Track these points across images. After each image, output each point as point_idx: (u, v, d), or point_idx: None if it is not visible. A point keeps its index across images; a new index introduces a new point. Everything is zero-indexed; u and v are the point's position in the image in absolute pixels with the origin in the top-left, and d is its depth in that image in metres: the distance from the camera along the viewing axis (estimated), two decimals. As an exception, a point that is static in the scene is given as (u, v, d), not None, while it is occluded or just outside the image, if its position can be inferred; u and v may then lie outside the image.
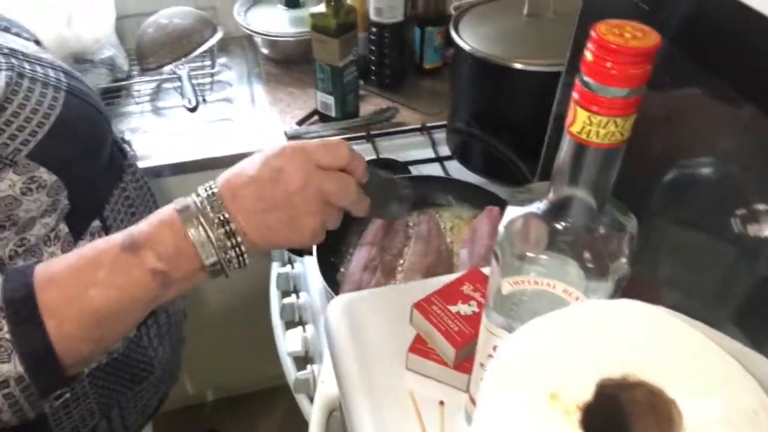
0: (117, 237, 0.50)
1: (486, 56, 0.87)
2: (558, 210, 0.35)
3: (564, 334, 0.28)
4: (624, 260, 0.34)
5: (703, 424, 0.25)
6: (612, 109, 0.29)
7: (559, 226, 0.35)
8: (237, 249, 0.51)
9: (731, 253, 0.37)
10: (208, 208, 0.50)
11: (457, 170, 1.04)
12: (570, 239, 0.35)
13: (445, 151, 1.09)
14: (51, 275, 0.49)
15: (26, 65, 0.63)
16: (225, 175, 0.53)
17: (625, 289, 0.35)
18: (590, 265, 0.34)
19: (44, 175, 0.60)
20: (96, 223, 0.69)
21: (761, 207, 0.35)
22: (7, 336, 0.46)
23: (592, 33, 0.28)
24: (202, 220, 0.50)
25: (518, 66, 0.85)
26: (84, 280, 0.48)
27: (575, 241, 0.35)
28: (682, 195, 0.40)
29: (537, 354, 0.27)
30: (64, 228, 0.65)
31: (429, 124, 1.18)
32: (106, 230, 0.70)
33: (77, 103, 0.65)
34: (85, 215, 0.68)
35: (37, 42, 0.73)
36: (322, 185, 0.51)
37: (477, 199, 0.92)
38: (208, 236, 0.49)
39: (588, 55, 0.28)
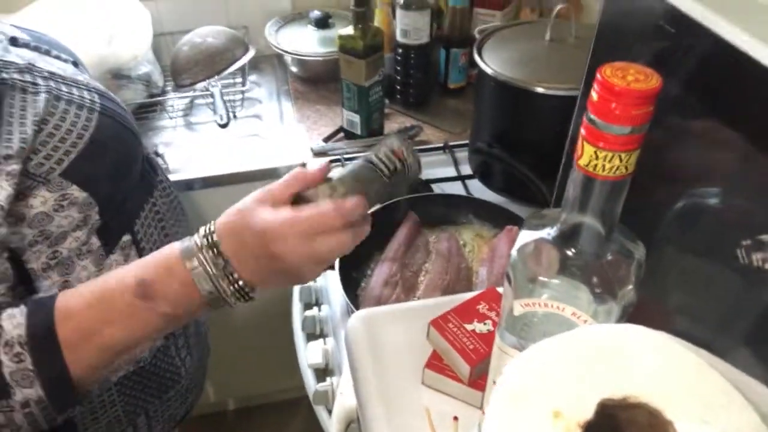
0: (130, 280, 0.55)
1: (508, 80, 0.89)
2: (568, 236, 0.37)
3: (569, 355, 0.30)
4: (630, 286, 0.36)
5: (698, 444, 0.26)
6: (616, 145, 0.31)
7: (569, 252, 0.37)
8: (235, 284, 0.56)
9: (737, 281, 0.39)
10: (207, 247, 0.55)
11: (478, 189, 1.06)
12: (580, 264, 0.37)
13: (466, 169, 1.11)
14: (69, 311, 0.54)
15: (63, 87, 0.67)
16: (226, 224, 0.57)
17: (633, 314, 0.37)
18: (598, 290, 0.36)
19: (75, 192, 0.63)
20: (127, 237, 0.72)
21: (765, 238, 0.36)
22: (30, 366, 0.52)
23: (598, 75, 0.30)
24: (200, 256, 0.55)
25: (540, 90, 0.87)
26: (100, 318, 0.55)
27: (585, 267, 0.37)
28: (690, 224, 0.42)
29: (543, 373, 0.29)
30: (96, 242, 0.68)
31: (451, 143, 1.20)
32: (137, 244, 0.73)
33: (110, 124, 0.69)
34: (116, 230, 0.70)
35: (75, 63, 0.77)
36: (323, 257, 0.56)
37: (497, 218, 0.94)
38: (205, 269, 0.55)
39: (594, 96, 0.30)
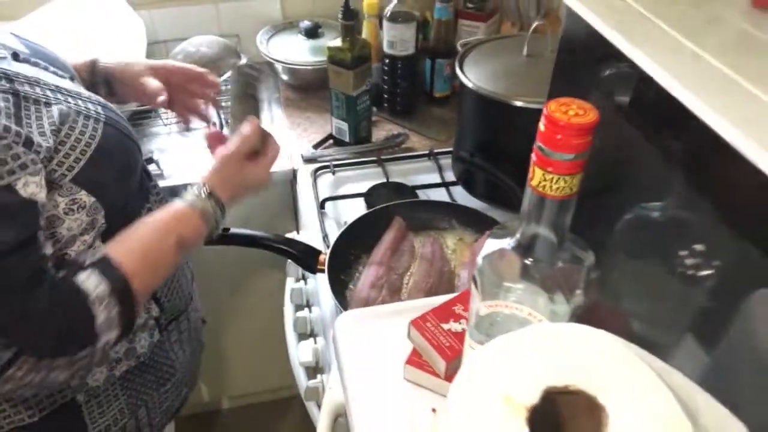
0: (171, 240, 0.73)
1: (488, 93, 0.94)
2: (526, 245, 0.42)
3: (520, 348, 0.35)
4: (580, 290, 0.41)
5: (625, 423, 0.32)
6: (561, 169, 0.36)
7: (527, 260, 0.42)
8: (221, 208, 0.78)
9: (676, 285, 0.44)
10: (206, 197, 0.77)
11: (462, 195, 1.11)
12: (537, 270, 0.42)
13: (450, 176, 1.16)
14: (134, 270, 0.68)
15: (70, 99, 0.71)
16: (211, 175, 0.80)
17: (586, 315, 0.42)
18: (552, 294, 0.41)
19: (84, 197, 0.68)
20: None
21: (699, 247, 0.42)
22: (115, 315, 0.66)
23: (544, 110, 0.35)
24: (207, 204, 0.76)
25: (518, 103, 0.92)
26: (153, 272, 0.72)
27: (541, 273, 0.42)
28: (636, 234, 0.47)
29: (497, 364, 0.34)
30: (100, 245, 0.73)
31: (436, 150, 1.25)
32: None
33: (113, 133, 0.74)
34: (118, 232, 0.74)
35: (72, 78, 0.81)
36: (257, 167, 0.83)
37: (478, 223, 0.99)
38: (214, 212, 0.77)
39: (541, 127, 0.35)
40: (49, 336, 0.62)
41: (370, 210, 1.02)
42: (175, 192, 1.20)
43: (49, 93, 0.69)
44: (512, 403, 0.32)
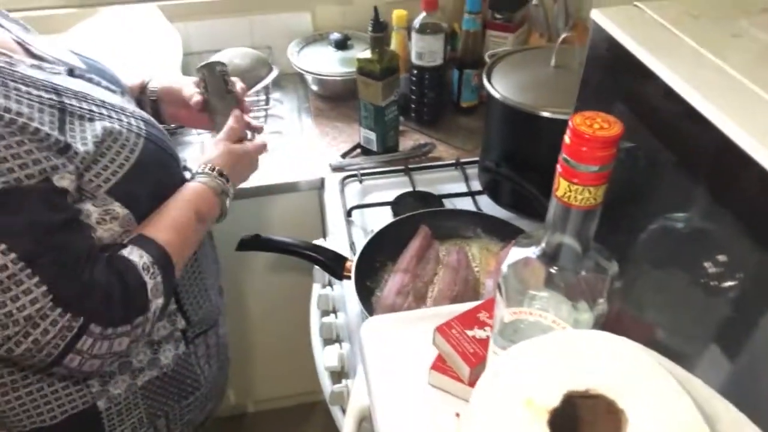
0: (192, 215, 0.79)
1: (515, 104, 0.95)
2: (551, 254, 0.43)
3: (542, 353, 0.36)
4: (603, 299, 0.42)
5: (643, 427, 0.32)
6: (586, 180, 0.37)
7: (552, 268, 0.43)
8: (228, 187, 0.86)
9: (700, 295, 0.44)
10: (216, 175, 0.85)
11: (488, 205, 1.12)
12: (561, 279, 0.43)
13: (476, 186, 1.17)
14: (169, 243, 0.75)
15: (114, 114, 0.75)
16: (217, 159, 0.87)
17: (610, 323, 0.43)
18: (576, 301, 0.42)
19: (117, 209, 0.71)
20: None
21: (722, 258, 0.42)
22: (160, 280, 0.72)
23: (570, 123, 0.36)
24: (218, 181, 0.84)
25: (545, 114, 0.93)
26: (183, 243, 0.78)
27: (565, 281, 0.43)
28: (661, 245, 0.48)
29: (520, 368, 0.35)
30: None
31: (463, 160, 1.26)
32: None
33: (153, 149, 0.77)
34: None
35: (123, 93, 0.85)
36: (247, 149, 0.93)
37: (504, 232, 1.00)
38: (223, 189, 0.85)
39: (567, 140, 0.36)
40: (112, 304, 0.67)
41: (397, 218, 1.04)
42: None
43: (94, 108, 0.73)
44: (534, 406, 0.33)
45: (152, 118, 0.83)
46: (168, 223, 0.76)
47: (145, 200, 0.75)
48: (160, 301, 0.73)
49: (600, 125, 0.36)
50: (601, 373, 0.35)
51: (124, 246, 0.72)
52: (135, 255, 0.71)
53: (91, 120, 0.70)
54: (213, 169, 0.85)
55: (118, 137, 0.72)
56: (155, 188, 0.77)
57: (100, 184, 0.69)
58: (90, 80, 0.79)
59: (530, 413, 0.33)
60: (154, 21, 1.40)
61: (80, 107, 0.71)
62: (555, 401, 0.33)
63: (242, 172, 0.92)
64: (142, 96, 0.99)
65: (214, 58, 1.42)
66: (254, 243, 1.02)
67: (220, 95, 0.95)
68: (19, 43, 0.76)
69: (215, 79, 0.95)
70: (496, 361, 0.36)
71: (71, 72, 0.77)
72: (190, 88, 0.97)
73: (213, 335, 0.94)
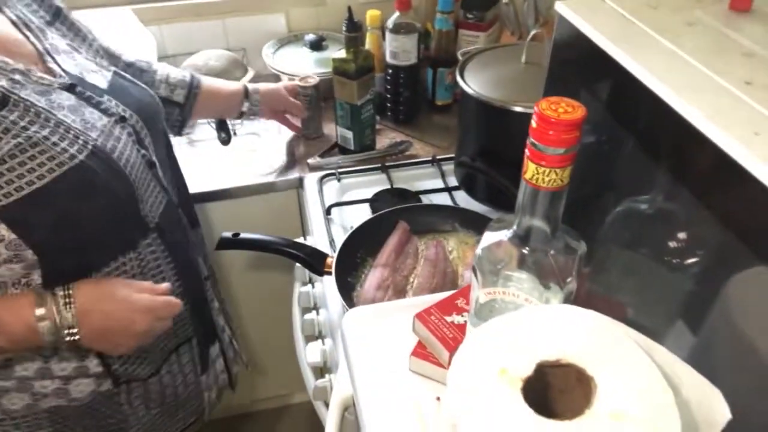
0: None
1: (488, 100, 0.97)
2: (522, 236, 0.45)
3: (515, 327, 0.38)
4: (572, 277, 0.44)
5: (611, 392, 0.34)
6: (552, 162, 0.39)
7: (523, 250, 0.45)
8: (72, 338, 0.72)
9: (663, 271, 0.47)
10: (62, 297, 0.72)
11: (464, 199, 1.14)
12: (532, 259, 0.45)
13: (453, 181, 1.19)
14: None
15: (54, 137, 0.69)
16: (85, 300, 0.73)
17: (582, 300, 0.45)
18: (546, 280, 0.44)
19: (3, 231, 0.66)
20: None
21: (684, 236, 0.45)
22: None
23: (535, 108, 0.38)
24: (52, 307, 0.71)
25: (517, 109, 0.95)
26: None
27: (535, 261, 0.45)
28: (627, 225, 0.50)
29: (494, 341, 0.37)
30: (37, 278, 0.72)
31: (439, 157, 1.28)
32: None
33: (77, 181, 0.70)
34: (66, 272, 0.73)
35: (123, 118, 0.80)
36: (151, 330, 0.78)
37: (480, 225, 1.02)
38: (53, 321, 0.71)
39: (534, 124, 0.38)
40: None
41: (376, 214, 1.06)
42: (193, 200, 1.24)
43: (34, 127, 0.69)
44: (508, 375, 0.35)
45: (121, 152, 0.77)
46: None
47: (41, 229, 0.69)
48: None
49: (564, 109, 0.38)
50: (570, 343, 0.37)
51: None
52: None
53: (15, 136, 0.67)
54: (71, 296, 0.72)
55: (29, 161, 0.67)
56: (59, 220, 0.70)
57: None
58: (88, 99, 0.77)
59: (504, 382, 0.34)
60: (128, 24, 1.39)
61: (14, 121, 0.67)
62: (528, 371, 0.35)
63: (106, 325, 0.75)
64: (246, 99, 1.18)
65: (190, 61, 1.42)
66: (234, 242, 1.02)
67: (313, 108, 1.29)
68: (41, 53, 0.75)
69: (314, 97, 1.29)
70: (471, 335, 0.38)
71: (71, 87, 0.75)
72: (289, 98, 1.24)
73: (156, 383, 0.88)
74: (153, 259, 0.83)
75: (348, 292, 0.94)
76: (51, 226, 0.70)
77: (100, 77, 0.83)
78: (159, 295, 0.78)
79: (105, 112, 0.79)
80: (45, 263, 0.71)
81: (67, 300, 0.71)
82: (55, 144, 0.69)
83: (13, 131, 0.67)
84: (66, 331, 0.71)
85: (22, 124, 0.68)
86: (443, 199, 1.17)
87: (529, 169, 0.40)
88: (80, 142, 0.72)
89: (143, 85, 0.91)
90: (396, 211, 1.05)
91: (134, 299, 0.75)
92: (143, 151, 0.82)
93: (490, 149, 1.04)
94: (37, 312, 0.70)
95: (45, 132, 0.69)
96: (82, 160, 0.71)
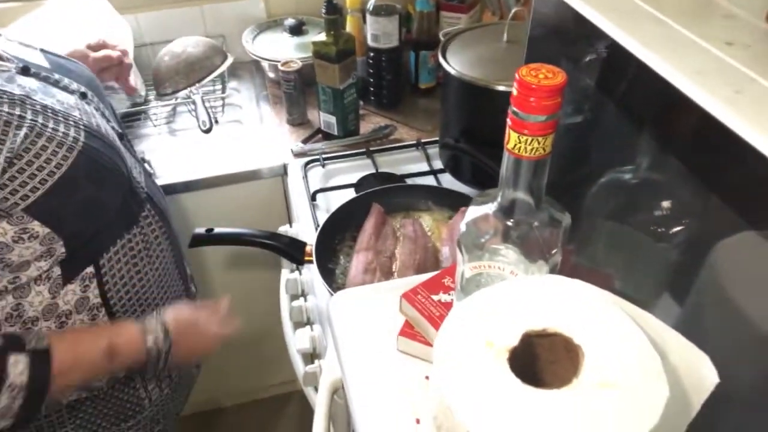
0: (103, 342, 0.72)
1: (470, 79, 0.97)
2: (506, 209, 0.44)
3: (500, 298, 0.37)
4: (556, 249, 0.43)
5: (599, 360, 0.34)
6: (534, 130, 0.38)
7: (508, 222, 0.45)
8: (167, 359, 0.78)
9: (648, 241, 0.46)
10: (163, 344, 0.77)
11: (450, 182, 1.14)
12: (516, 232, 0.44)
13: (438, 165, 1.18)
14: (61, 371, 0.68)
15: (50, 123, 0.68)
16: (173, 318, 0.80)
17: (572, 271, 0.44)
18: (531, 253, 0.43)
19: (37, 227, 0.66)
20: (89, 269, 0.74)
21: (668, 204, 0.44)
22: (17, 407, 0.65)
23: (516, 75, 0.37)
24: (157, 338, 0.77)
25: (499, 88, 0.94)
26: (82, 374, 0.73)
27: (520, 234, 0.44)
28: (612, 196, 0.50)
29: (479, 313, 0.36)
30: (57, 271, 0.71)
31: (424, 140, 1.28)
32: (100, 277, 0.76)
33: (87, 163, 0.70)
34: (79, 262, 0.73)
35: (84, 94, 0.79)
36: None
37: (454, 202, 1.02)
38: (158, 349, 0.77)
39: (514, 92, 0.38)
40: None
41: (349, 199, 1.05)
42: (174, 189, 1.22)
43: (28, 114, 0.66)
44: (494, 346, 0.34)
45: (102, 127, 0.76)
46: (73, 354, 0.70)
47: (71, 217, 0.69)
48: (4, 422, 0.66)
49: (545, 75, 0.37)
50: (556, 313, 0.36)
51: (22, 350, 0.66)
52: (17, 368, 0.64)
53: (18, 128, 0.64)
54: (163, 323, 0.78)
55: (42, 151, 0.66)
56: (87, 204, 0.71)
57: (17, 202, 0.64)
58: (45, 79, 0.75)
59: (491, 353, 0.34)
60: (103, 13, 1.36)
61: (9, 112, 0.65)
62: (514, 341, 0.35)
63: (191, 344, 0.83)
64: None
65: (168, 48, 1.40)
66: (208, 238, 0.99)
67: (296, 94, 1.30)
68: None
69: (297, 82, 1.28)
70: (457, 307, 0.37)
71: (25, 70, 0.73)
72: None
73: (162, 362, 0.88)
74: (151, 231, 0.84)
75: (330, 278, 0.93)
76: (80, 214, 0.70)
77: (37, 56, 0.79)
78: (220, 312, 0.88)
79: (67, 90, 0.76)
80: (68, 254, 0.71)
81: (165, 331, 0.78)
82: (55, 130, 0.68)
83: (15, 122, 0.64)
84: (162, 360, 0.78)
85: (18, 112, 0.65)
86: (429, 182, 1.16)
87: (511, 139, 0.39)
88: (72, 124, 0.71)
89: (74, 60, 0.88)
90: (369, 195, 1.05)
91: (210, 331, 0.85)
92: (111, 123, 0.81)
93: (474, 129, 1.04)
94: (147, 341, 0.76)
95: (40, 119, 0.67)
96: (84, 142, 0.71)
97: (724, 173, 0.38)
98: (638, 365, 0.34)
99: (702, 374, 0.35)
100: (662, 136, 0.42)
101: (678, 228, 0.45)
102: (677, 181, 0.44)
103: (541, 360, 0.36)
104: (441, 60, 1.02)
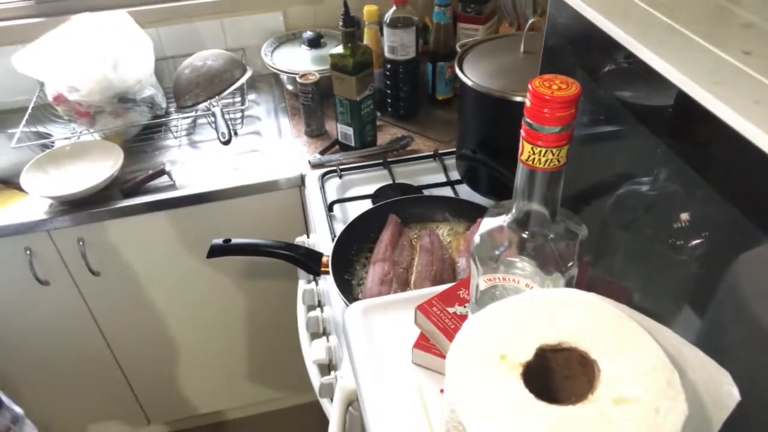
0: None
1: (487, 90, 0.96)
2: (521, 221, 0.44)
3: (515, 312, 0.37)
4: (572, 262, 0.43)
5: (615, 375, 0.33)
6: (549, 142, 0.38)
7: (523, 234, 0.44)
8: None
9: (667, 254, 0.46)
10: None
11: (467, 193, 1.13)
12: (532, 244, 0.44)
13: (455, 175, 1.18)
14: None
15: None
16: None
17: (587, 285, 0.44)
18: (547, 265, 0.43)
19: None
20: None
21: (686, 215, 0.43)
22: None
23: (530, 86, 0.37)
24: None
25: (516, 99, 0.94)
26: None
27: (536, 246, 0.44)
28: (629, 208, 0.49)
29: (493, 326, 0.36)
30: None
31: (441, 151, 1.27)
32: None
33: None
34: None
35: None
36: None
37: (470, 213, 1.02)
38: None
39: (528, 103, 0.37)
40: None
41: (366, 210, 1.05)
42: (195, 200, 1.22)
43: None
44: (507, 360, 0.34)
45: None
46: None
47: None
48: None
49: (558, 86, 0.37)
50: (572, 327, 0.35)
51: None
52: None
53: None
54: None
55: None
56: None
57: None
58: None
59: (504, 368, 0.33)
60: (125, 27, 1.39)
61: None
62: (528, 355, 0.34)
63: None
64: None
65: (188, 62, 1.42)
66: (226, 248, 1.00)
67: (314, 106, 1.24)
68: None
69: (314, 94, 1.25)
70: (470, 321, 0.37)
71: None
72: None
73: None
74: None
75: (347, 289, 0.93)
76: None
77: None
78: None
79: None
80: None
81: None
82: None
83: None
84: None
85: None
86: (446, 193, 1.16)
87: (525, 150, 0.39)
88: None
89: None
90: (386, 206, 1.04)
91: None
92: None
93: (491, 140, 1.03)
94: None
95: None
96: None
97: (743, 184, 0.37)
98: (656, 381, 0.33)
99: (723, 391, 0.34)
100: (680, 147, 0.42)
101: (697, 240, 0.44)
102: (696, 193, 0.43)
103: (556, 375, 0.36)
104: (458, 71, 1.02)
